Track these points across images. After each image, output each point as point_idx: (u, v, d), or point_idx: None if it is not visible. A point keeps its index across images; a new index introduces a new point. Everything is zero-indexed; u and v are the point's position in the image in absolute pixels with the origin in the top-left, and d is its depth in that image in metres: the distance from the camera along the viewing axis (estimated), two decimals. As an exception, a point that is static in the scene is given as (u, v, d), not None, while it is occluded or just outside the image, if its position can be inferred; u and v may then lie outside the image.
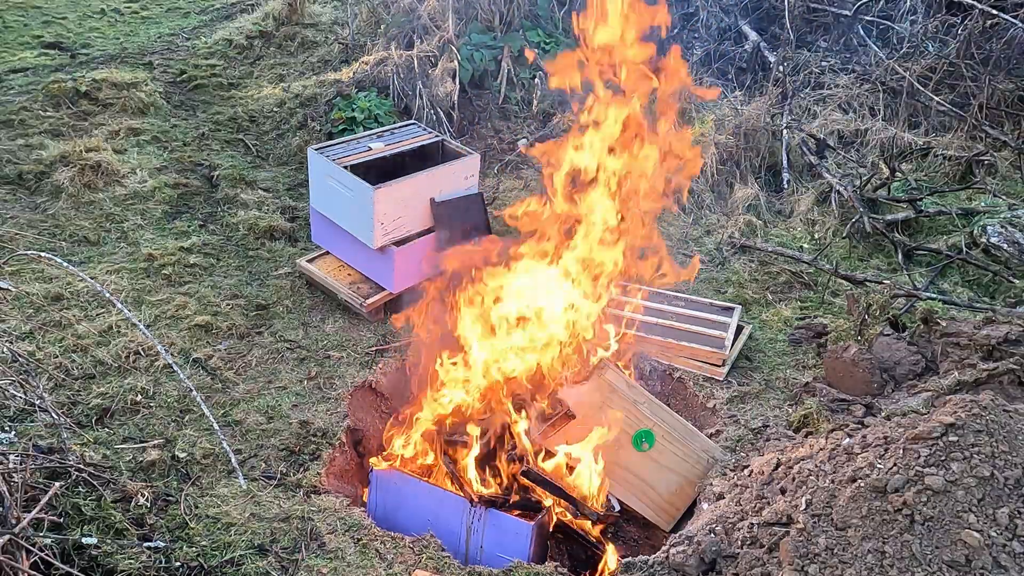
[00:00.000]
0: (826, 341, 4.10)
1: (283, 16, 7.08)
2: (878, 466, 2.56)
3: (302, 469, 3.24)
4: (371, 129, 5.01)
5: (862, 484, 2.52)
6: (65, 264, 3.54)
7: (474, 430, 3.21)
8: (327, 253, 4.54)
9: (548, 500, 3.16)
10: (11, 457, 2.69)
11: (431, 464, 3.29)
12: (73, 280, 4.05)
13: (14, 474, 2.61)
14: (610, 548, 3.16)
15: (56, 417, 3.07)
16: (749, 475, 3.07)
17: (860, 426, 3.21)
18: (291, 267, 4.55)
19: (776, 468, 2.94)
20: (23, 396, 3.12)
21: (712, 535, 2.75)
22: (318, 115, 5.89)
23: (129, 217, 4.76)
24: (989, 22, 6.28)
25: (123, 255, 4.44)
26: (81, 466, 2.87)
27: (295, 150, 5.71)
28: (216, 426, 3.26)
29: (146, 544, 2.69)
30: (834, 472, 2.67)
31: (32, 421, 3.09)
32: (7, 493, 2.43)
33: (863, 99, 6.29)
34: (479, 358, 3.33)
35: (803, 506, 2.59)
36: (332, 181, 4.17)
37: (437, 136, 4.65)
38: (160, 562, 2.65)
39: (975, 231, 4.93)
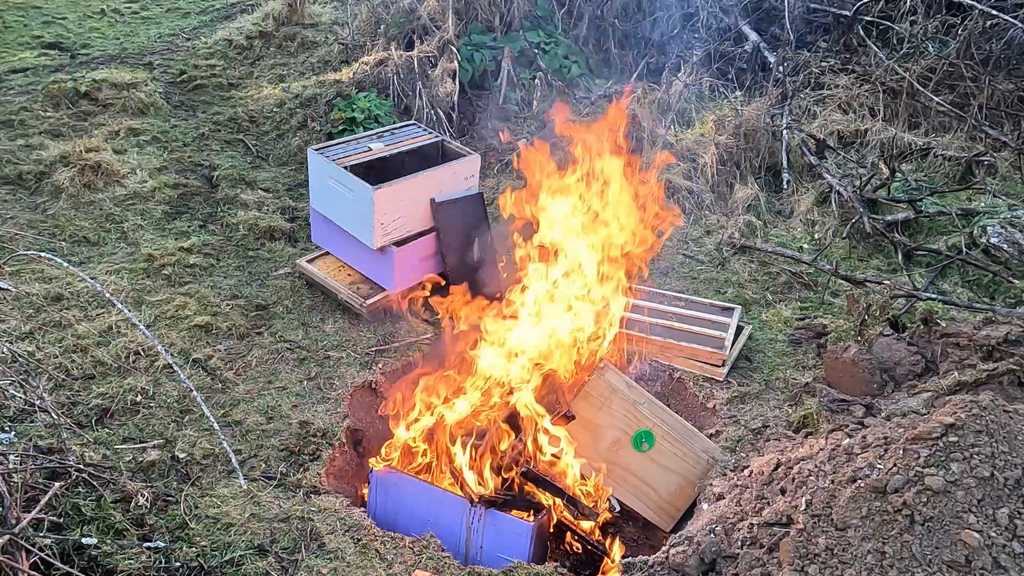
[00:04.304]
0: (826, 341, 4.11)
1: (283, 16, 7.08)
2: (878, 466, 2.56)
3: (302, 469, 3.24)
4: (371, 129, 5.00)
5: (862, 484, 2.52)
6: (65, 264, 3.54)
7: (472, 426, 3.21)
8: (327, 253, 4.54)
9: (548, 500, 3.16)
10: (11, 457, 2.69)
11: (431, 464, 3.29)
12: (73, 280, 4.05)
13: (14, 474, 2.61)
14: (616, 545, 3.16)
15: (56, 417, 3.07)
16: (749, 475, 3.07)
17: (860, 426, 3.21)
18: (291, 267, 4.55)
19: (776, 468, 2.94)
20: (23, 396, 3.12)
21: (712, 535, 2.75)
22: (318, 115, 5.89)
23: (129, 217, 4.76)
24: (989, 22, 6.28)
25: (123, 255, 4.44)
26: (81, 466, 2.87)
27: (295, 150, 5.71)
28: (216, 426, 3.26)
29: (146, 544, 2.69)
30: (834, 472, 2.67)
31: (32, 421, 3.09)
32: (7, 493, 2.43)
33: (863, 99, 6.29)
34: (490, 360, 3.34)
35: (803, 506, 2.59)
36: (332, 181, 4.17)
37: (437, 136, 4.65)
38: (160, 562, 2.65)
39: (975, 231, 4.93)
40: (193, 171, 5.37)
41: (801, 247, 5.14)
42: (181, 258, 4.46)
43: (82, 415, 3.32)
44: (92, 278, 3.92)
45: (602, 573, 3.13)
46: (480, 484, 3.12)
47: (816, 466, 2.76)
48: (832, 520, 2.51)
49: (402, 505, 3.17)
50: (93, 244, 4.52)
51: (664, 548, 2.82)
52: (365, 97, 5.82)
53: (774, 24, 7.23)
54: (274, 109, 6.08)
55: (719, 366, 3.94)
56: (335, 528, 2.90)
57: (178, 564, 2.66)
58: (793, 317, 4.43)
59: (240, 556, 2.73)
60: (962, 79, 6.21)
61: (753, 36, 6.98)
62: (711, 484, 3.22)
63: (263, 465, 3.25)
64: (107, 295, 3.52)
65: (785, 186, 5.72)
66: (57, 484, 2.65)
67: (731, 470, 3.26)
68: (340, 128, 5.66)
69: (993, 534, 2.31)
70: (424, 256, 4.33)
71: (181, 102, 6.17)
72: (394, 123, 5.42)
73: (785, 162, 5.81)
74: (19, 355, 3.33)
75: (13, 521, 2.37)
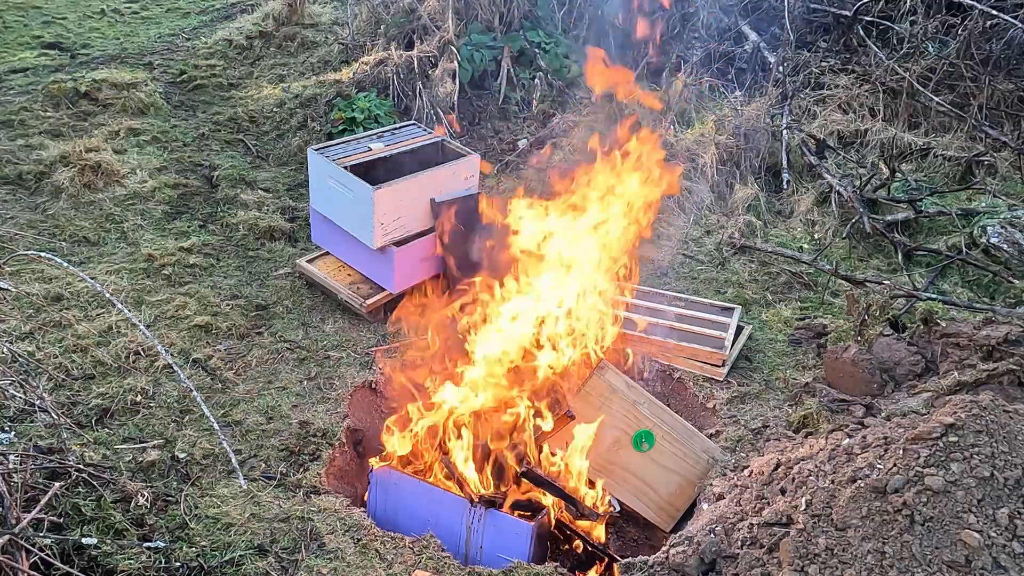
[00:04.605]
0: (826, 341, 4.11)
1: (283, 16, 7.08)
2: (878, 466, 2.56)
3: (302, 469, 3.24)
4: (371, 129, 5.01)
5: (862, 484, 2.52)
6: (65, 264, 3.54)
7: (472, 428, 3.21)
8: (327, 253, 4.54)
9: (548, 500, 3.16)
10: (11, 457, 2.69)
11: (431, 464, 3.29)
12: (73, 280, 4.05)
13: (14, 474, 2.61)
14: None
15: (56, 417, 3.07)
16: (749, 475, 3.07)
17: (860, 426, 3.21)
18: (291, 267, 4.55)
19: (776, 468, 2.94)
20: (23, 396, 3.12)
21: (712, 535, 2.75)
22: (318, 115, 5.89)
23: (129, 217, 4.76)
24: (989, 22, 6.28)
25: (123, 255, 4.44)
26: (81, 466, 2.87)
27: (295, 150, 5.71)
28: (216, 426, 3.26)
29: (146, 544, 2.69)
30: (834, 472, 2.67)
31: (32, 421, 3.09)
32: (7, 493, 2.43)
33: (863, 99, 6.29)
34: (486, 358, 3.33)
35: (803, 506, 2.59)
36: (332, 181, 4.17)
37: (437, 136, 4.65)
38: (160, 562, 2.65)
39: (975, 231, 4.93)
40: (193, 171, 5.37)
41: (801, 247, 5.14)
42: (181, 258, 4.46)
43: (82, 415, 3.32)
44: (92, 278, 3.92)
45: (601, 574, 3.13)
46: (480, 484, 3.12)
47: (816, 466, 2.76)
48: (832, 520, 2.51)
49: (402, 505, 3.17)
50: (93, 244, 4.52)
51: (664, 548, 2.82)
52: (365, 97, 5.82)
53: (774, 24, 7.23)
54: (274, 109, 6.08)
55: (719, 366, 3.94)
56: (335, 528, 2.90)
57: (178, 564, 2.66)
58: (793, 317, 4.43)
59: (240, 556, 2.73)
60: (962, 79, 6.21)
61: (753, 36, 6.99)
62: (711, 484, 3.22)
63: (263, 465, 3.25)
64: (107, 295, 3.52)
65: (785, 186, 5.72)
66: (57, 484, 2.65)
67: (731, 470, 3.26)
68: (340, 128, 5.66)
69: (993, 534, 2.31)
70: (424, 256, 4.33)
71: (181, 102, 6.17)
72: (394, 123, 5.42)
73: (785, 162, 5.82)
74: (19, 355, 3.33)
75: (13, 521, 2.37)
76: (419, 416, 3.30)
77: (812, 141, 5.86)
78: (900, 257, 4.91)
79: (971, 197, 5.44)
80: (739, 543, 2.67)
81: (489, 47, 6.32)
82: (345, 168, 4.10)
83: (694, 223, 5.35)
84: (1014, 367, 3.31)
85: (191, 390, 3.35)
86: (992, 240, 4.81)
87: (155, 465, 3.11)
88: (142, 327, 3.49)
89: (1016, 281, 4.51)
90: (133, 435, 3.27)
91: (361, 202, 4.02)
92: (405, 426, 3.32)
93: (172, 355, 3.67)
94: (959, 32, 6.37)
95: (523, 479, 3.15)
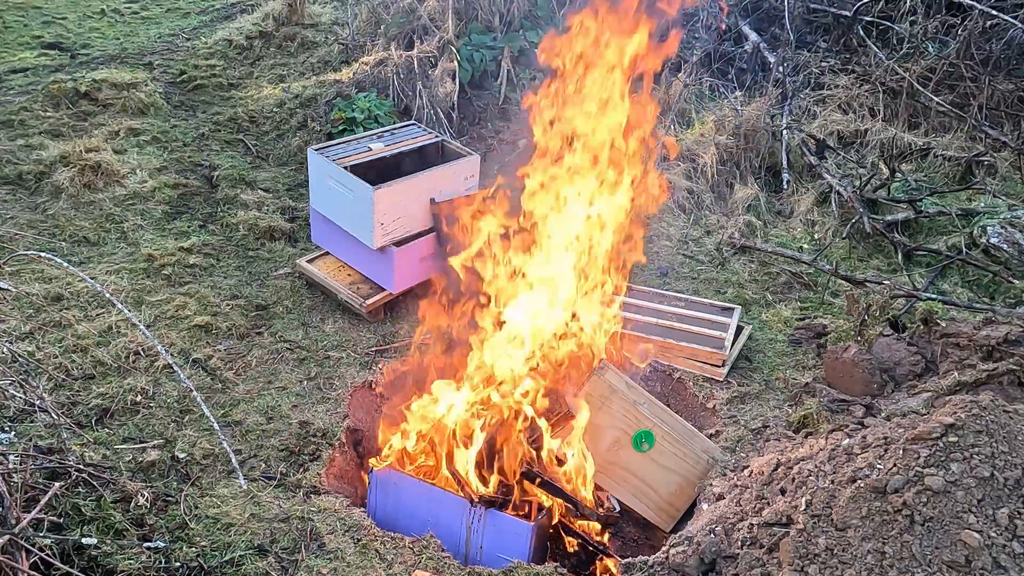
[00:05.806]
0: (826, 341, 4.11)
1: (283, 16, 7.08)
2: (878, 467, 2.56)
3: (302, 469, 3.24)
4: (371, 129, 5.00)
5: (862, 485, 2.52)
6: (65, 264, 3.54)
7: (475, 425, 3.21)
8: (327, 253, 4.54)
9: (548, 500, 3.16)
10: (11, 457, 2.69)
11: (432, 464, 3.28)
12: (73, 280, 4.05)
13: (14, 474, 2.61)
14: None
15: (56, 417, 3.07)
16: (749, 475, 3.07)
17: (860, 427, 3.22)
18: (291, 267, 4.56)
19: (776, 468, 2.94)
20: (23, 396, 3.12)
21: (712, 535, 2.75)
22: (318, 115, 5.89)
23: (129, 217, 4.76)
24: (989, 22, 6.28)
25: (123, 255, 4.44)
26: (81, 466, 2.87)
27: (295, 150, 5.71)
28: (216, 426, 3.26)
29: (146, 544, 2.69)
30: (834, 473, 2.67)
31: (32, 421, 3.09)
32: (7, 493, 2.43)
33: (863, 99, 6.30)
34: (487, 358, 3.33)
35: (803, 506, 2.60)
36: (332, 181, 4.17)
37: (437, 136, 4.65)
38: (160, 562, 2.65)
39: (975, 232, 4.93)
40: (193, 171, 5.37)
41: (801, 247, 5.14)
42: (181, 258, 4.46)
43: (82, 415, 3.32)
44: (92, 278, 3.92)
45: (603, 573, 3.13)
46: (482, 484, 3.12)
47: (816, 466, 2.76)
48: (832, 520, 2.51)
49: (402, 505, 3.17)
50: (93, 244, 4.52)
51: (664, 548, 2.82)
52: (365, 97, 5.82)
53: (774, 24, 7.23)
54: (274, 109, 6.08)
55: (719, 366, 3.94)
56: (335, 528, 2.90)
57: (178, 564, 2.66)
58: (793, 317, 4.43)
59: (240, 556, 2.73)
60: (962, 79, 6.21)
61: (753, 36, 6.99)
62: (711, 484, 3.22)
63: (263, 465, 3.25)
64: (107, 295, 3.52)
65: (785, 186, 5.72)
66: (57, 484, 2.65)
67: (731, 470, 3.26)
68: (340, 128, 5.65)
69: (993, 534, 2.31)
70: (424, 256, 4.33)
71: (181, 102, 6.17)
72: (394, 123, 5.42)
73: (785, 162, 5.82)
74: (19, 355, 3.33)
75: (13, 521, 2.37)
76: (418, 416, 3.30)
77: (812, 141, 5.86)
78: (900, 257, 4.91)
79: (971, 197, 5.44)
80: (739, 543, 2.67)
81: (489, 47, 6.32)
82: (345, 168, 4.10)
83: (694, 223, 5.35)
84: (1014, 367, 3.31)
85: (191, 390, 3.35)
86: (992, 240, 4.81)
87: (155, 465, 3.11)
88: (142, 327, 3.49)
89: (1016, 281, 4.51)
90: (133, 435, 3.27)
91: (361, 202, 4.02)
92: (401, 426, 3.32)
93: (172, 355, 3.67)
94: (959, 32, 6.37)
95: (523, 479, 3.15)
